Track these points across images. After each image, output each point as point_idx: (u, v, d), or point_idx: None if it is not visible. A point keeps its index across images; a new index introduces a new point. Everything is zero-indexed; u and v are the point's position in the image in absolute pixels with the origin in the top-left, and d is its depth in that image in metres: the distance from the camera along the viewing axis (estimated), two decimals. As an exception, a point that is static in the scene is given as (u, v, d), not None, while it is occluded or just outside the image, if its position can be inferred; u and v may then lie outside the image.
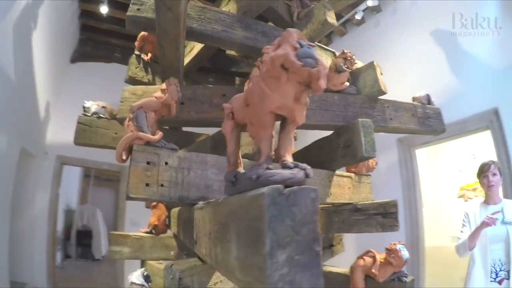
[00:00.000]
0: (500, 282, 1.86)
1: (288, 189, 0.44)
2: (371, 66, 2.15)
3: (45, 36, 3.31)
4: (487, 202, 2.12)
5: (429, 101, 2.31)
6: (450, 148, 4.80)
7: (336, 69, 2.03)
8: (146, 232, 2.43)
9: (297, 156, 1.70)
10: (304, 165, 0.52)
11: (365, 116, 1.95)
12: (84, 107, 2.20)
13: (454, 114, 2.89)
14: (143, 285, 1.70)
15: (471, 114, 3.16)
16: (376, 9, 4.22)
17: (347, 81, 2.05)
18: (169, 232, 2.49)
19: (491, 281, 1.86)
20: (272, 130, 0.57)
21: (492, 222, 1.83)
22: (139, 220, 4.37)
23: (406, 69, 3.67)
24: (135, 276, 1.72)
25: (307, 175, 0.50)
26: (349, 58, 2.08)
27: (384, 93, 2.10)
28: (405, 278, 1.49)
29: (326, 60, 2.24)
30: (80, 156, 4.15)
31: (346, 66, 2.04)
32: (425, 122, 2.23)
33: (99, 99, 2.25)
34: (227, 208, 0.62)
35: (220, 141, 1.89)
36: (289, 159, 0.56)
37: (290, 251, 0.42)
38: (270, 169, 0.52)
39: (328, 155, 1.91)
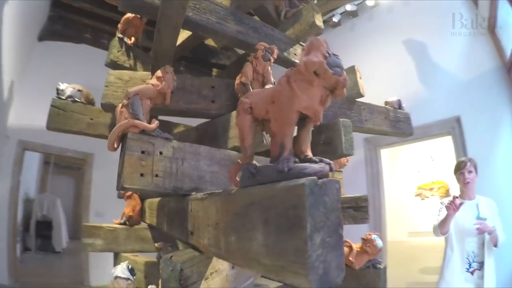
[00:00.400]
0: (472, 273, 2.01)
1: (321, 180, 0.50)
2: (352, 70, 2.27)
3: (13, 10, 3.04)
4: (462, 197, 2.20)
5: (400, 106, 2.50)
6: (409, 150, 5.17)
7: (320, 70, 2.12)
8: (120, 224, 2.34)
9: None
10: (328, 160, 0.57)
11: (343, 116, 2.06)
12: (58, 90, 2.06)
13: (419, 119, 3.12)
14: (128, 279, 1.64)
15: (435, 120, 3.46)
16: (353, 14, 4.39)
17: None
18: (143, 224, 2.45)
19: (465, 271, 2.02)
20: (294, 127, 0.62)
21: (453, 206, 1.96)
22: (104, 211, 4.22)
23: (377, 74, 3.88)
24: (120, 269, 1.66)
25: (331, 169, 0.56)
26: (333, 60, 2.18)
27: (362, 96, 2.23)
28: (379, 265, 1.63)
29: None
30: (43, 141, 3.90)
31: (330, 67, 2.14)
32: (396, 125, 2.41)
33: (67, 81, 2.12)
34: (246, 199, 0.65)
35: (205, 133, 1.90)
36: (310, 154, 0.62)
37: (323, 234, 0.48)
38: (297, 162, 0.57)
39: (309, 151, 1.99)
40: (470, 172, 2.16)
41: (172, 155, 1.23)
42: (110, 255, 2.48)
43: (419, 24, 3.76)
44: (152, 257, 2.23)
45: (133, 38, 2.10)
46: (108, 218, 2.52)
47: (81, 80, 2.31)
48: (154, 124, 1.23)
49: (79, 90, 2.12)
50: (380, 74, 3.90)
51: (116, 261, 2.29)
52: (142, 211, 2.37)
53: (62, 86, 2.08)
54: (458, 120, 3.43)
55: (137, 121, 1.18)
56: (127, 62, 2.06)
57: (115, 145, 1.22)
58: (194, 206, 1.15)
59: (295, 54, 2.14)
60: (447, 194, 4.59)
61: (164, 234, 2.32)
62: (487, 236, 1.98)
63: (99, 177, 4.48)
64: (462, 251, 2.04)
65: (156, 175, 1.18)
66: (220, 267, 1.14)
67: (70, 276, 4.76)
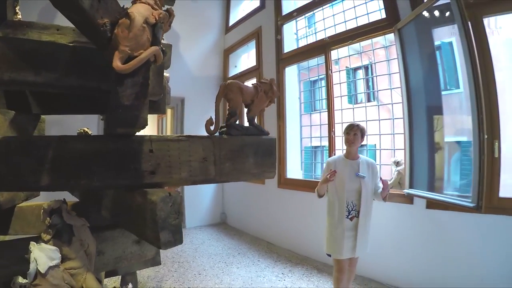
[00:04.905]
0: (351, 219, 2.32)
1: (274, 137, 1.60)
2: (169, 46, 2.77)
3: None
4: (346, 156, 2.41)
5: (168, 80, 3.47)
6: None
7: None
8: None
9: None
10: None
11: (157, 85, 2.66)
12: None
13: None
14: (58, 264, 1.11)
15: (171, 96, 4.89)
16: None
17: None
18: None
19: (345, 217, 2.33)
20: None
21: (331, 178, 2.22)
22: None
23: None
24: (45, 257, 1.06)
25: (267, 133, 1.62)
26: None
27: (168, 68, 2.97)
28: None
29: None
30: None
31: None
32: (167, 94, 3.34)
33: None
34: (241, 141, 1.50)
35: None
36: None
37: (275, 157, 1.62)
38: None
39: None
40: (355, 135, 2.33)
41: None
42: None
43: (186, 20, 5.03)
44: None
45: None
46: None
47: None
48: None
49: None
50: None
51: None
52: None
53: None
54: (182, 100, 5.16)
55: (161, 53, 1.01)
56: None
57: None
58: (160, 146, 1.24)
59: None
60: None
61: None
62: (363, 191, 2.29)
63: None
64: (343, 201, 2.31)
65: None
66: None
67: None
